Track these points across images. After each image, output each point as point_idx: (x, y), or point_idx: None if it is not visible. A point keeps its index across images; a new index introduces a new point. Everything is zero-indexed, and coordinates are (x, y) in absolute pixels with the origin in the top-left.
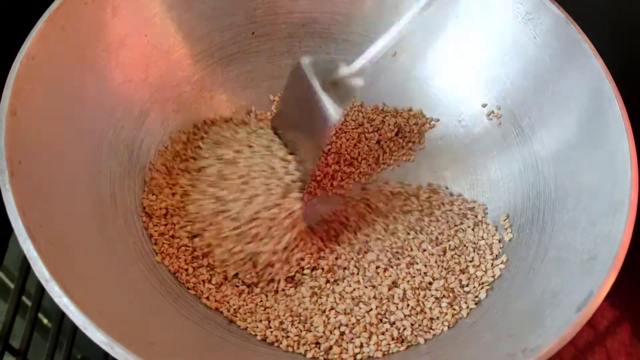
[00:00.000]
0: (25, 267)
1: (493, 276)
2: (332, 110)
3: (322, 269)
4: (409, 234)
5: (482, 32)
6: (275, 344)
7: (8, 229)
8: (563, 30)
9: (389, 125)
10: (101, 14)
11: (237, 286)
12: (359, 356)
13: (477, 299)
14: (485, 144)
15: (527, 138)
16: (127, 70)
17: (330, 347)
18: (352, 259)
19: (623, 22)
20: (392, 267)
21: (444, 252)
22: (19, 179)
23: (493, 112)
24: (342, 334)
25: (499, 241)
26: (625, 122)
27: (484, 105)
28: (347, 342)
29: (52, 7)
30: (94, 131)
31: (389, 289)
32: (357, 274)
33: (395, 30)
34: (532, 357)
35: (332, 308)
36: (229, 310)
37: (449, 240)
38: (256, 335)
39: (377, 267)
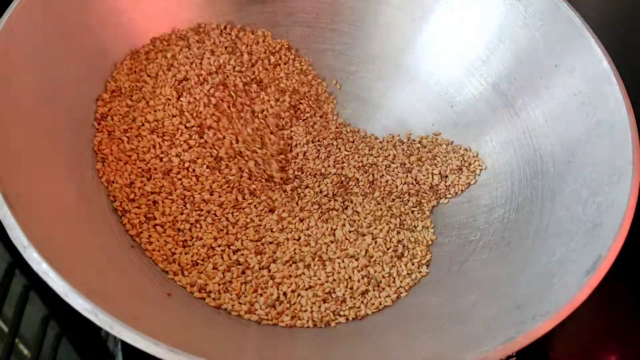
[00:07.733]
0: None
1: None
2: None
3: None
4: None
5: (471, 15)
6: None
7: None
8: (554, 9)
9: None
10: None
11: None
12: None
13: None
14: (479, 127)
15: (522, 119)
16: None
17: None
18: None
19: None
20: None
21: None
22: None
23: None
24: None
25: None
26: (622, 91)
27: (476, 89)
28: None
29: None
30: (76, 107)
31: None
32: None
33: None
34: (543, 321)
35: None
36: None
37: None
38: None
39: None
